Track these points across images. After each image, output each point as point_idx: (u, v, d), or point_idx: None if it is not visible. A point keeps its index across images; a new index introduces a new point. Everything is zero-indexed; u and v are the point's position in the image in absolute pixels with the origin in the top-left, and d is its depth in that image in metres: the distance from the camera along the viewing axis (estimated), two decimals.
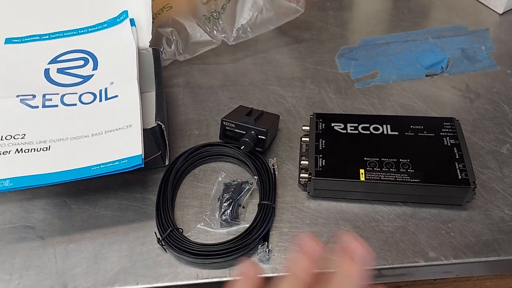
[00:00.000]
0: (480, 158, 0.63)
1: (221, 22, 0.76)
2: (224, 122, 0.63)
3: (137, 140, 0.56)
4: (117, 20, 0.71)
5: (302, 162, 0.60)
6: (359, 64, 0.77)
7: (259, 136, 0.62)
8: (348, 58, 0.78)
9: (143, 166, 0.54)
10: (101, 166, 0.55)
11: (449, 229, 0.56)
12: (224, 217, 0.57)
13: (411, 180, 0.56)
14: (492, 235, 0.55)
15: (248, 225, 0.56)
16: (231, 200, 0.58)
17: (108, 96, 0.62)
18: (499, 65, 0.77)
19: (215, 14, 0.76)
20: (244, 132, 0.62)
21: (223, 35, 0.76)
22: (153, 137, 0.59)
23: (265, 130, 0.61)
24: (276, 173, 0.62)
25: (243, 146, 0.61)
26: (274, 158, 0.64)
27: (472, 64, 0.76)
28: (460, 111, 0.70)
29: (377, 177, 0.57)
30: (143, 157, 0.55)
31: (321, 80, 0.76)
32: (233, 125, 0.62)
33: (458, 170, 0.57)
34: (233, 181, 0.60)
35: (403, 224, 0.56)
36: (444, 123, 0.62)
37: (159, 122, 0.58)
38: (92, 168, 0.55)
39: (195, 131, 0.68)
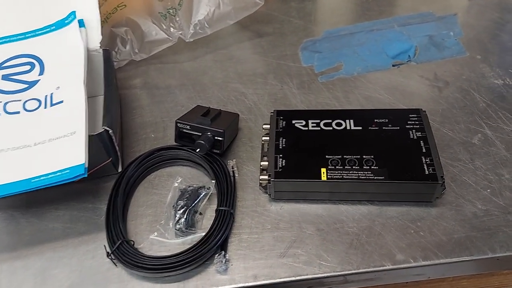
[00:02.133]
0: (451, 150, 0.58)
1: (177, 19, 0.70)
2: (178, 124, 0.57)
3: (80, 148, 0.50)
4: (65, 21, 0.65)
5: (262, 163, 0.55)
6: (322, 57, 0.71)
7: (216, 138, 0.56)
8: (312, 51, 0.72)
9: (86, 176, 0.49)
10: (41, 178, 0.49)
11: (418, 228, 0.50)
12: (178, 226, 0.51)
13: (375, 177, 0.51)
14: (465, 232, 0.50)
15: (204, 234, 0.50)
16: (185, 207, 0.52)
17: (53, 102, 0.56)
18: (468, 51, 0.72)
19: (171, 10, 0.70)
20: (200, 134, 0.56)
21: (180, 32, 0.70)
22: (101, 144, 0.53)
23: (222, 131, 0.55)
24: (236, 175, 0.57)
25: (198, 149, 0.55)
26: (234, 160, 0.58)
27: (440, 51, 0.71)
28: (429, 101, 0.64)
29: (339, 176, 0.51)
30: (86, 166, 0.49)
31: (284, 75, 0.70)
32: (188, 127, 0.57)
33: (425, 165, 0.51)
34: (189, 186, 0.54)
35: (369, 225, 0.51)
36: (410, 115, 0.57)
37: (106, 128, 0.53)
38: (32, 181, 0.49)
39: (151, 134, 0.63)
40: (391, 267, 0.48)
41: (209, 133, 0.56)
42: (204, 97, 0.67)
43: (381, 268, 0.48)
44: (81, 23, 0.64)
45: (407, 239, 0.50)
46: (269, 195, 0.54)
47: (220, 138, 0.56)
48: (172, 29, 0.70)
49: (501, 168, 0.55)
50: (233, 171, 0.57)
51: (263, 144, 0.58)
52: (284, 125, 0.57)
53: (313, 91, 0.67)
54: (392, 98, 0.65)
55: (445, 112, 0.62)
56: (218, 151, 0.56)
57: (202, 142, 0.54)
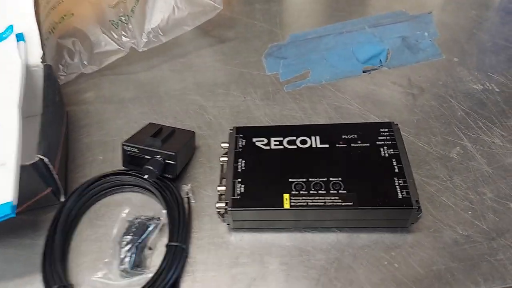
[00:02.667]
0: (427, 166, 0.51)
1: (130, 26, 0.61)
2: (125, 147, 0.49)
3: (8, 183, 0.42)
4: (3, 35, 0.56)
5: (218, 188, 0.47)
6: (288, 64, 0.63)
7: (168, 161, 0.48)
8: (277, 57, 0.64)
9: (14, 215, 0.41)
10: None
11: (392, 259, 0.43)
12: (122, 267, 0.43)
13: (343, 203, 0.43)
14: (444, 263, 0.43)
15: (152, 274, 0.43)
16: (132, 243, 0.44)
17: None
18: (444, 53, 0.64)
19: (124, 18, 0.61)
20: (150, 157, 0.49)
21: (132, 42, 0.61)
22: (37, 174, 0.45)
23: (173, 153, 0.48)
24: (192, 201, 0.49)
25: (147, 175, 0.47)
26: (189, 184, 0.50)
27: (414, 54, 0.64)
28: (402, 110, 0.57)
29: (303, 202, 0.44)
30: (15, 203, 0.41)
31: (247, 85, 0.62)
32: (136, 150, 0.49)
33: (397, 188, 0.44)
34: (136, 218, 0.47)
35: (339, 256, 0.44)
36: (381, 130, 0.50)
37: (40, 156, 0.45)
38: None
39: (99, 156, 0.54)
40: None
41: (159, 157, 0.48)
42: (159, 111, 0.59)
43: None
44: (20, 37, 0.55)
45: (381, 273, 0.43)
46: (227, 224, 0.47)
47: (172, 162, 0.48)
48: (124, 38, 0.61)
49: (482, 185, 0.49)
50: (188, 198, 0.49)
51: (222, 165, 0.51)
52: (244, 144, 0.50)
53: (278, 102, 0.59)
54: (363, 108, 0.57)
55: (421, 122, 0.55)
56: (170, 176, 0.49)
57: (150, 168, 0.47)
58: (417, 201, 0.43)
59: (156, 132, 0.51)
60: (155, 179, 0.48)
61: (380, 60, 0.63)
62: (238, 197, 0.45)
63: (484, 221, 0.46)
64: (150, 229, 0.45)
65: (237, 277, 0.43)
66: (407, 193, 0.44)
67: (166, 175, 0.49)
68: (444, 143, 0.53)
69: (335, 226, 0.46)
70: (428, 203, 0.47)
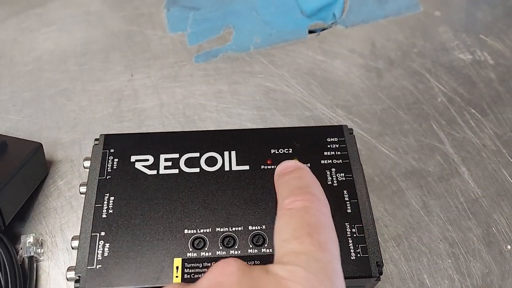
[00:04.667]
0: (393, 186, 0.35)
1: None
2: None
3: None
4: None
5: (73, 242, 0.31)
6: (201, 18, 0.44)
7: None
8: (184, 7, 0.44)
9: None
10: None
11: None
12: None
13: None
14: None
15: None
16: None
17: None
18: (422, 3, 0.47)
19: None
20: None
21: None
22: None
23: None
24: (40, 260, 0.32)
25: None
26: (32, 235, 0.33)
27: (381, 5, 0.45)
28: (362, 96, 0.40)
29: (206, 272, 0.29)
30: None
31: (137, 54, 0.42)
32: None
33: (350, 242, 0.29)
34: None
35: None
36: (329, 139, 0.34)
37: None
38: None
39: None
40: None
41: None
42: None
43: None
44: None
45: None
46: None
47: None
48: None
49: (468, 217, 0.34)
50: (29, 258, 0.32)
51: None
52: (115, 167, 0.32)
53: (183, 83, 0.40)
54: (306, 93, 0.40)
55: (386, 115, 0.39)
56: None
57: None
58: (378, 264, 0.29)
59: None
60: None
61: (334, 14, 0.44)
62: (98, 266, 0.28)
63: (468, 275, 0.32)
64: None
65: None
66: (364, 250, 0.29)
67: None
68: (418, 149, 0.37)
69: None
70: (392, 248, 0.33)
